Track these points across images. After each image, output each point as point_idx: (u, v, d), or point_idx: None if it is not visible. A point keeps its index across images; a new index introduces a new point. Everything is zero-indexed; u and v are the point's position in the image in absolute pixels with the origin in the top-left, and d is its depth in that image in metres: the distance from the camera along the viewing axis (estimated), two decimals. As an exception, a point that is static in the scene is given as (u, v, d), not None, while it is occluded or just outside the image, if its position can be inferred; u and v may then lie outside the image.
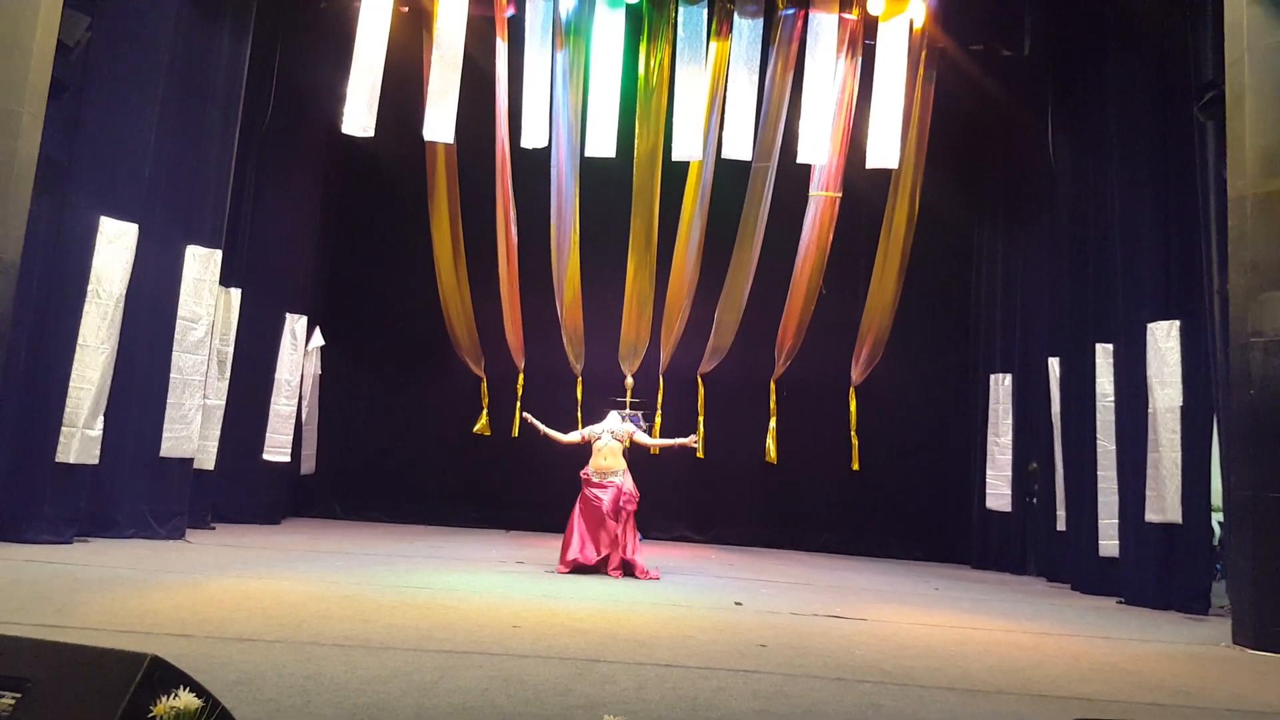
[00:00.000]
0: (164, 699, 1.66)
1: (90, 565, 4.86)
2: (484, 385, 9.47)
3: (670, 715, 2.60)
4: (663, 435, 9.16)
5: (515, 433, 9.35)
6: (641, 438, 6.81)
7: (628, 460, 6.60)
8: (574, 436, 6.72)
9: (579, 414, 8.85)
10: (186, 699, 1.68)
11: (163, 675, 1.70)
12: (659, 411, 8.79)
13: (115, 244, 5.98)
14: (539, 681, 2.87)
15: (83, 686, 1.65)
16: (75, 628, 3.18)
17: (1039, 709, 2.95)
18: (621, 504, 6.27)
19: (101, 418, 5.90)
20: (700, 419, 9.45)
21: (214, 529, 7.33)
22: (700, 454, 9.34)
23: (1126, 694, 3.41)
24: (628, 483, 6.39)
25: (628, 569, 6.16)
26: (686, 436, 6.94)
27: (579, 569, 6.13)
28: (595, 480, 6.37)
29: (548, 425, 6.79)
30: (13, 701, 1.63)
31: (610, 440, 6.45)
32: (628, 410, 7.42)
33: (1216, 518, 6.79)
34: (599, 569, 6.17)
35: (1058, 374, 8.09)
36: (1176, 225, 6.58)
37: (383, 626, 3.66)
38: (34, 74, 5.14)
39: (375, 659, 3.05)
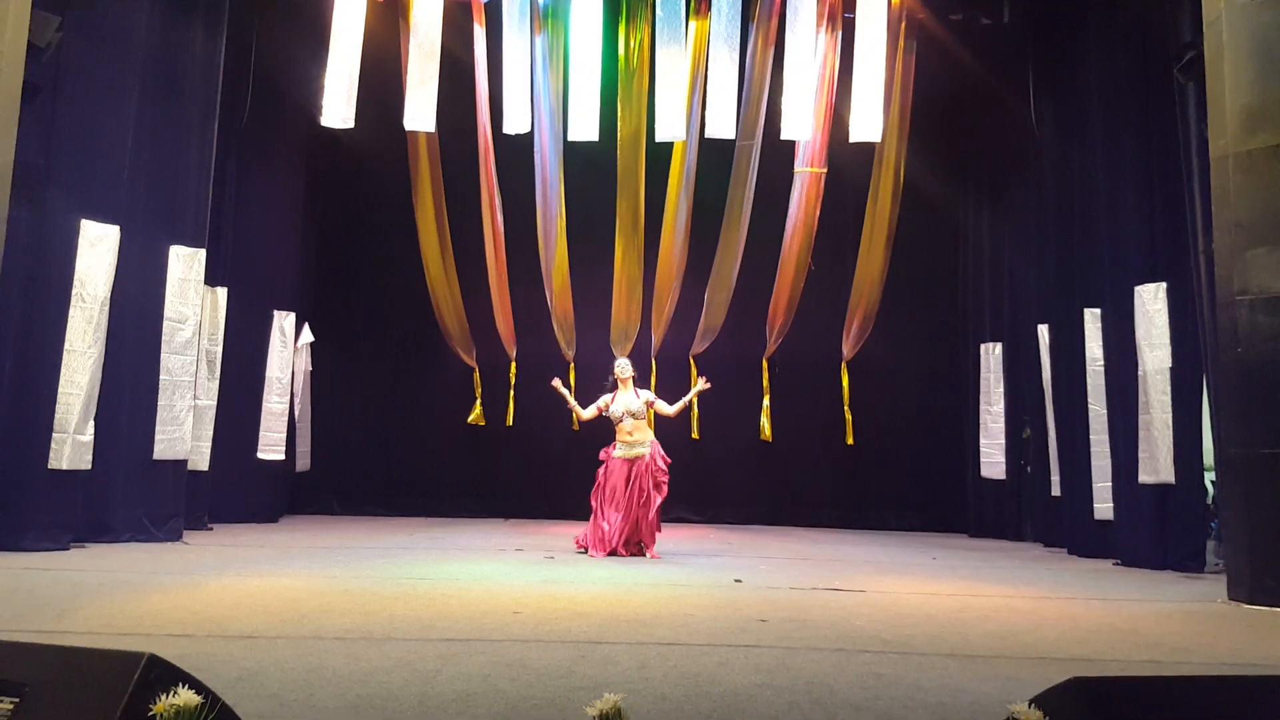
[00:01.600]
0: (163, 697, 1.66)
1: (88, 570, 4.85)
2: (476, 375, 9.45)
3: (673, 692, 2.61)
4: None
5: (510, 422, 9.36)
6: (662, 406, 6.79)
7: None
8: (591, 411, 6.78)
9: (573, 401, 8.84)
10: (186, 696, 1.68)
11: (160, 674, 1.70)
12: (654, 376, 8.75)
13: (97, 247, 5.92)
14: (542, 665, 2.88)
15: (80, 689, 1.65)
16: (75, 632, 3.18)
17: (1038, 671, 2.97)
18: (657, 480, 6.43)
19: (92, 422, 5.86)
20: (694, 398, 9.44)
21: (211, 530, 7.31)
22: (695, 434, 9.38)
23: (1125, 653, 3.45)
24: (658, 453, 6.52)
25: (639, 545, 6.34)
26: (688, 395, 6.96)
27: (613, 553, 6.24)
28: (623, 456, 6.48)
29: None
30: (10, 706, 1.63)
31: (630, 420, 6.52)
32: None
33: (1209, 477, 6.86)
34: (632, 551, 6.29)
35: (1047, 341, 8.12)
36: (1160, 187, 6.59)
37: (384, 618, 3.67)
38: (5, 76, 5.08)
39: (377, 650, 3.05)
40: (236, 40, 7.41)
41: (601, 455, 6.66)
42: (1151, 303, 6.54)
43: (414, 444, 9.82)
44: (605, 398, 6.70)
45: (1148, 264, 6.64)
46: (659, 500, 6.45)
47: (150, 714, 1.63)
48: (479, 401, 9.43)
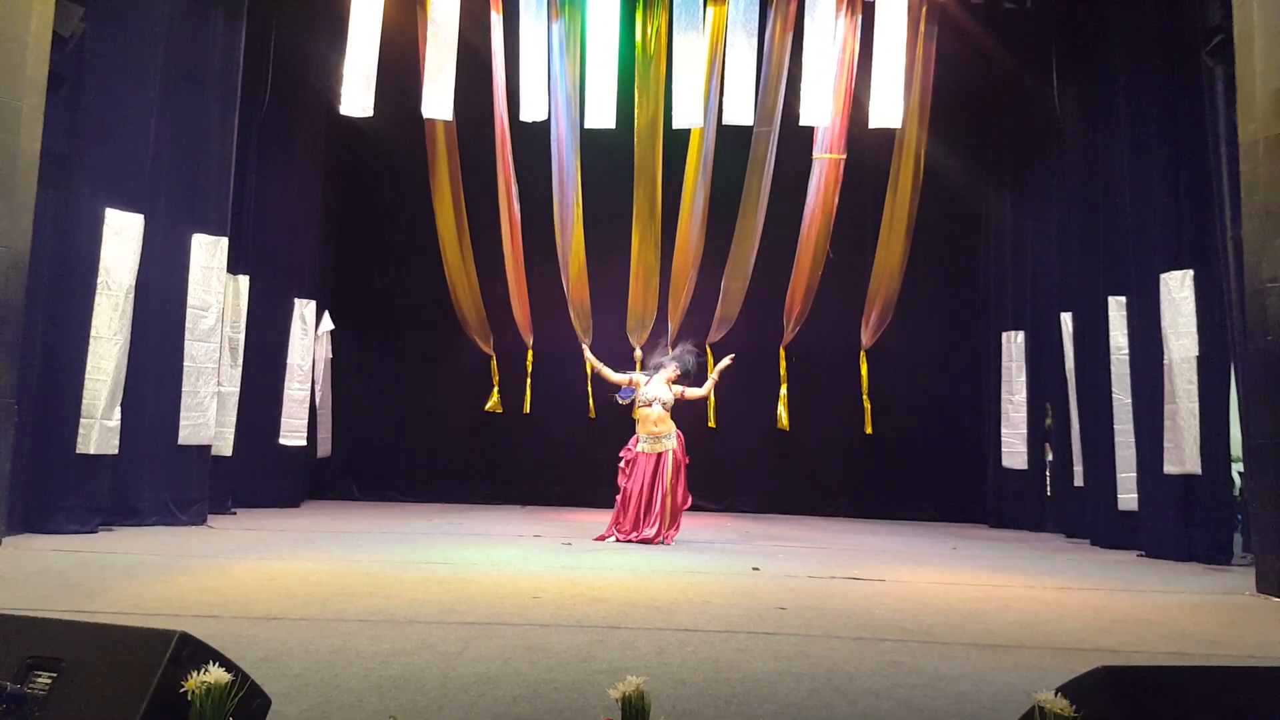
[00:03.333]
0: (195, 674, 1.69)
1: (116, 553, 4.93)
2: (494, 363, 9.48)
3: (692, 678, 2.62)
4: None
5: (527, 409, 9.39)
6: (694, 393, 6.77)
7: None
8: (622, 377, 6.80)
9: (589, 388, 8.86)
10: (217, 674, 1.71)
11: (191, 651, 1.73)
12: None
13: (122, 235, 5.99)
14: (561, 649, 2.90)
15: (115, 664, 1.68)
16: (105, 612, 3.23)
17: (1062, 662, 2.96)
18: (682, 469, 6.45)
19: (119, 408, 5.95)
20: (719, 376, 9.42)
21: (235, 514, 7.41)
22: (712, 423, 9.36)
23: (1150, 645, 3.42)
24: (679, 445, 6.49)
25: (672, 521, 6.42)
26: (713, 375, 6.95)
27: (643, 542, 6.23)
28: (648, 451, 6.43)
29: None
30: (49, 680, 1.66)
31: (660, 409, 6.47)
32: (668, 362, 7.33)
33: (1237, 468, 6.76)
34: (649, 540, 6.27)
35: (1071, 329, 8.02)
36: (1187, 173, 6.47)
37: (405, 601, 3.70)
38: (31, 67, 5.13)
39: (399, 632, 3.08)
40: (256, 29, 7.44)
41: (623, 454, 6.56)
42: (1178, 290, 6.44)
43: (432, 431, 9.88)
44: (640, 375, 6.72)
45: (1174, 251, 6.53)
46: (681, 494, 6.46)
47: (182, 690, 1.65)
48: (496, 389, 9.46)
